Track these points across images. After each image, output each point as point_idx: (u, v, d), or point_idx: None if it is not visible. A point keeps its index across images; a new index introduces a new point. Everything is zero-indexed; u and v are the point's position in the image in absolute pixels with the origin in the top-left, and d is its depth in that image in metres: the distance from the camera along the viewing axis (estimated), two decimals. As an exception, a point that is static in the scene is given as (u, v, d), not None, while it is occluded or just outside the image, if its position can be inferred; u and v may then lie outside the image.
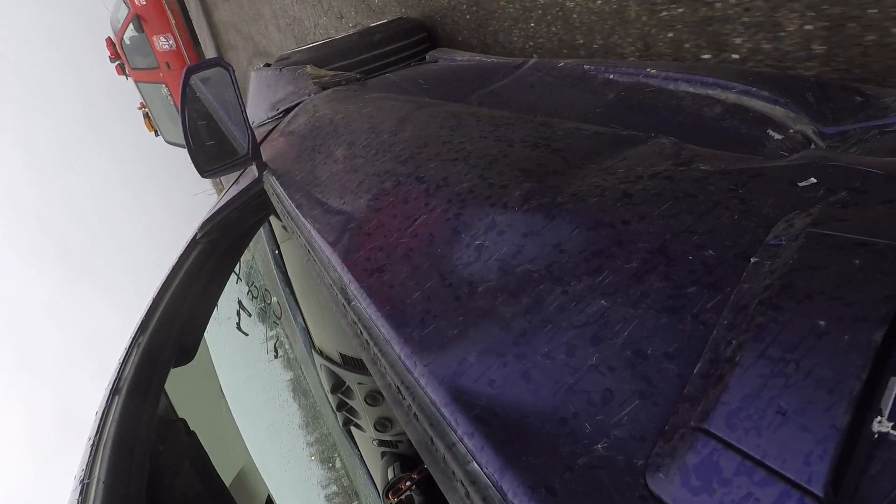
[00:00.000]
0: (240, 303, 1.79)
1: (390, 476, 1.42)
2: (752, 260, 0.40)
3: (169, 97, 9.67)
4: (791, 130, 0.72)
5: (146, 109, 10.73)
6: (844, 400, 0.28)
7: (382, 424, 1.48)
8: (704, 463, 0.31)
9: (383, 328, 0.55)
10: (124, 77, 10.40)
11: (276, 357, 1.98)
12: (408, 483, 1.28)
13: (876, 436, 0.27)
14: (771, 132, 0.72)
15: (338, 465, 1.90)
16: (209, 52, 10.34)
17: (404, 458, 1.49)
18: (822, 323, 0.32)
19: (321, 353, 1.58)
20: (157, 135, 11.09)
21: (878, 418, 0.28)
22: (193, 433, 1.12)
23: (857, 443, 0.27)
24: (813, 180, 0.45)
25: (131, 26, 9.14)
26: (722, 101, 0.80)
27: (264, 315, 1.96)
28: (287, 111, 1.53)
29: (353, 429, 1.66)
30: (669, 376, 0.36)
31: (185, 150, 1.10)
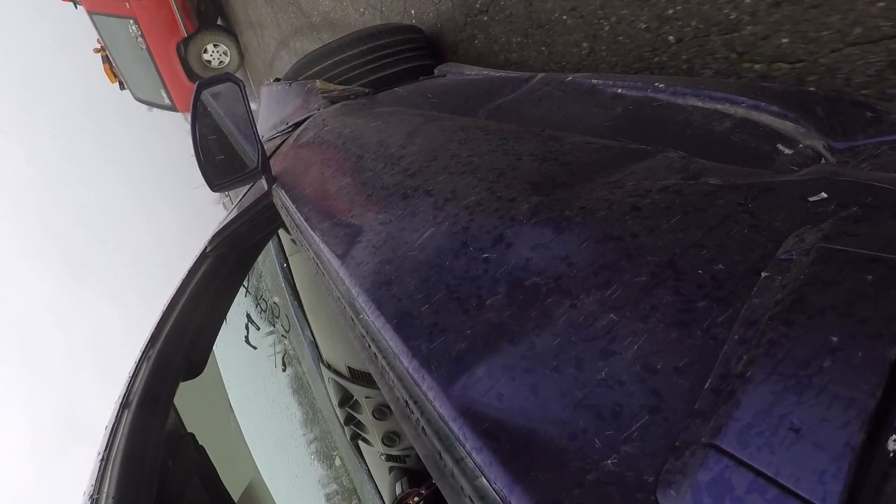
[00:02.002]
0: (248, 316, 1.80)
1: (398, 491, 1.41)
2: (763, 275, 0.39)
3: (139, 38, 6.59)
4: (801, 145, 0.71)
5: (106, 52, 7.52)
6: (859, 418, 0.28)
7: (390, 439, 1.47)
8: (716, 480, 0.30)
9: (391, 341, 0.55)
10: (72, 4, 6.94)
11: (284, 370, 1.98)
12: (416, 498, 1.27)
13: (891, 454, 0.27)
14: (780, 147, 0.72)
15: (345, 483, 1.89)
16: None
17: (412, 473, 1.48)
18: (834, 339, 0.31)
19: (329, 367, 1.57)
20: (122, 88, 8.04)
21: (894, 437, 0.27)
22: (202, 447, 1.12)
23: (872, 461, 0.27)
24: (824, 195, 0.45)
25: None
26: (731, 115, 0.80)
27: (272, 328, 1.96)
28: (297, 125, 1.55)
29: (360, 443, 1.65)
30: (680, 391, 0.36)
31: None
